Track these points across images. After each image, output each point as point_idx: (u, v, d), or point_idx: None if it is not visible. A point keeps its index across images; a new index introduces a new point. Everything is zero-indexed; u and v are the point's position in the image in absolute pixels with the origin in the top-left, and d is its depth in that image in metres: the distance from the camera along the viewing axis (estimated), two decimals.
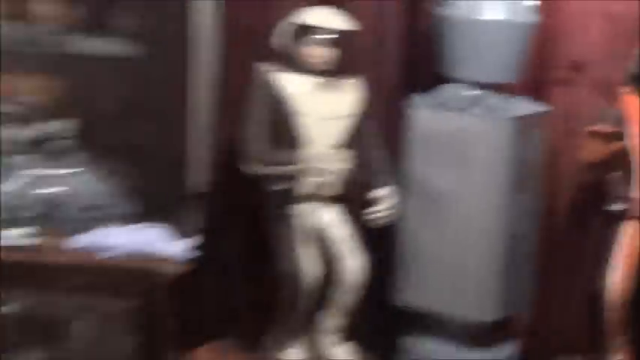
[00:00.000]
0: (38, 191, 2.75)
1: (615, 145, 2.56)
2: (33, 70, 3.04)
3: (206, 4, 2.84)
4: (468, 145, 2.49)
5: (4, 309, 2.74)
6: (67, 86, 3.01)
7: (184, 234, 2.81)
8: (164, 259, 2.67)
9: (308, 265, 2.53)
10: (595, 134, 2.59)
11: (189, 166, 2.86)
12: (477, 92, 2.53)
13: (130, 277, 2.77)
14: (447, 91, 2.55)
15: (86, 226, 2.78)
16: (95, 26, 2.85)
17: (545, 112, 2.61)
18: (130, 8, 2.91)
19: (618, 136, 2.57)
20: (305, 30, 2.49)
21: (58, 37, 2.84)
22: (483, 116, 2.50)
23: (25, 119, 2.93)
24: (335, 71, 2.54)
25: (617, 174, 2.59)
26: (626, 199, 2.56)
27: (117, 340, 2.78)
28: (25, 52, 2.89)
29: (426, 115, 2.53)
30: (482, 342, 2.64)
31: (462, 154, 2.50)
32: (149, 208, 2.81)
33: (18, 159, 2.79)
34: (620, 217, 2.60)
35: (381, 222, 2.52)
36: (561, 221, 2.80)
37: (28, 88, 3.01)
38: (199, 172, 2.94)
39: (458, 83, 2.56)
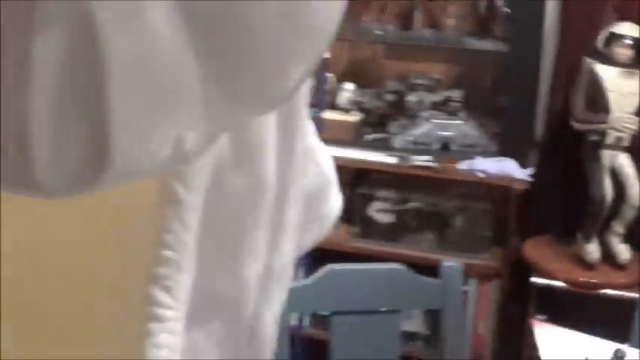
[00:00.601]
0: (438, 133, 3.33)
1: None
2: (439, 59, 3.55)
3: (553, 16, 3.20)
4: None
5: (410, 205, 3.42)
6: (460, 69, 3.57)
7: (527, 165, 3.19)
8: (513, 180, 3.15)
9: (607, 190, 3.00)
10: None
11: (533, 122, 3.30)
12: None
13: (491, 189, 3.28)
14: None
15: (466, 157, 3.24)
16: (480, 31, 3.33)
17: None
18: (504, 18, 3.25)
19: None
20: (616, 36, 2.99)
21: (457, 38, 3.32)
22: None
23: (432, 89, 3.44)
24: (633, 64, 2.98)
25: None
26: None
27: (480, 229, 3.35)
28: (435, 48, 3.43)
29: None
30: None
31: None
32: (505, 148, 3.25)
33: (426, 113, 3.38)
34: None
35: None
36: None
37: (436, 70, 3.54)
38: (539, 125, 3.32)
39: None
